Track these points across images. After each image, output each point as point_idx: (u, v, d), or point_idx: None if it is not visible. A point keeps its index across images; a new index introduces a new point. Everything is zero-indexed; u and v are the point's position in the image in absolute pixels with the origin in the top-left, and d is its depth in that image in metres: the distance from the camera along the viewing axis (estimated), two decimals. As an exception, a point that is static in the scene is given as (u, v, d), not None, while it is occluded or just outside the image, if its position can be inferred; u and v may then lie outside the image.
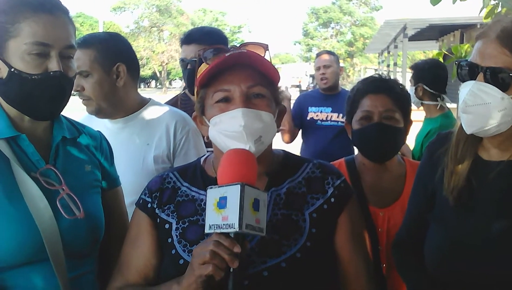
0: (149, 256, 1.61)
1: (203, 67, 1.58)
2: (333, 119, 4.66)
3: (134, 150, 2.38)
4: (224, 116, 1.52)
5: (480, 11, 3.60)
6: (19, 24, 1.53)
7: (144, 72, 74.94)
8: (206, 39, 2.99)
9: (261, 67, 1.57)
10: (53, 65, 1.54)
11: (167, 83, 71.50)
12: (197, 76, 1.61)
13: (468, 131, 1.55)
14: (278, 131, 1.64)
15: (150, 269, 1.60)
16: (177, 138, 2.39)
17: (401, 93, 2.24)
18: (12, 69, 1.53)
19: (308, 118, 4.79)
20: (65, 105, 1.65)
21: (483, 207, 1.57)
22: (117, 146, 2.08)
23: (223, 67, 1.54)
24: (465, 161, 1.63)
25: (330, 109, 4.68)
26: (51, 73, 1.54)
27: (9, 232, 1.50)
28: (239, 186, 1.31)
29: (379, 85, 2.23)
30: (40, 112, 1.60)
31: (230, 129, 1.50)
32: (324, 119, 4.70)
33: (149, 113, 2.45)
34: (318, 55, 5.17)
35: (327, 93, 4.80)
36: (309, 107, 4.81)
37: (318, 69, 4.90)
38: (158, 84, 77.79)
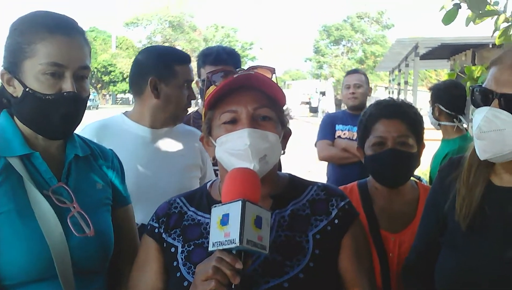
0: (156, 281, 1.62)
1: (211, 90, 1.62)
2: None
3: (172, 158, 2.54)
4: (231, 136, 1.56)
5: (493, 33, 3.61)
6: (35, 45, 1.56)
7: (156, 87, 75.06)
8: (232, 60, 3.05)
9: (268, 90, 1.60)
10: (67, 85, 1.57)
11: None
12: (205, 98, 1.63)
13: (482, 157, 1.54)
14: (283, 153, 1.66)
15: None
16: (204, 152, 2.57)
17: (415, 118, 2.21)
18: (27, 89, 1.56)
19: (335, 136, 4.72)
20: (78, 124, 1.68)
21: (495, 233, 1.57)
22: (154, 153, 2.45)
23: (230, 88, 1.57)
24: (477, 186, 1.62)
25: (357, 128, 4.59)
26: (65, 93, 1.57)
27: (20, 249, 1.51)
28: (240, 202, 1.34)
29: (392, 110, 2.21)
30: (53, 131, 1.63)
31: (236, 147, 1.53)
32: (351, 138, 4.60)
33: (181, 126, 2.63)
34: (348, 73, 5.07)
35: (354, 112, 4.66)
36: (336, 125, 4.74)
37: (348, 87, 4.80)
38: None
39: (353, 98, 4.74)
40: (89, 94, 1.68)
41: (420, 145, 2.22)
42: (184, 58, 2.53)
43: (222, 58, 3.11)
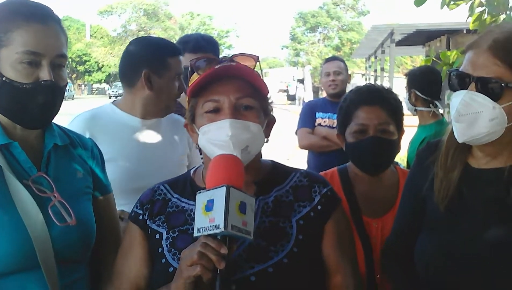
0: (140, 267, 1.63)
1: (195, 77, 1.62)
2: None
3: (163, 148, 2.59)
4: (213, 126, 1.56)
5: (468, 18, 3.65)
6: (11, 33, 1.54)
7: (132, 76, 74.33)
8: (211, 48, 3.05)
9: (251, 79, 1.60)
10: (44, 74, 1.55)
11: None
12: (189, 85, 1.64)
13: (460, 139, 1.57)
14: (267, 141, 1.67)
15: (142, 280, 1.62)
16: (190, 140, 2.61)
17: (395, 104, 2.22)
18: (4, 78, 1.54)
19: (316, 123, 4.73)
20: (56, 113, 1.66)
21: (473, 214, 1.60)
22: (146, 143, 2.50)
23: (212, 78, 1.57)
24: (455, 169, 1.65)
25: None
26: (42, 82, 1.55)
27: (1, 240, 1.50)
28: (224, 188, 1.35)
29: (373, 96, 2.21)
30: (30, 120, 1.61)
31: (218, 138, 1.54)
32: (332, 125, 4.60)
33: (169, 115, 2.64)
34: (327, 60, 5.07)
35: (334, 100, 4.64)
36: (317, 113, 4.74)
37: (327, 75, 4.79)
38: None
39: (334, 86, 4.74)
40: (67, 83, 1.66)
41: (400, 131, 2.24)
42: (176, 51, 2.55)
43: (201, 45, 3.10)
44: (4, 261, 1.50)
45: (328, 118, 4.67)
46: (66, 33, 1.67)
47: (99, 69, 67.41)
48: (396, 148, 2.22)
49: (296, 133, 4.86)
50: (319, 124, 4.71)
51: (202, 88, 1.59)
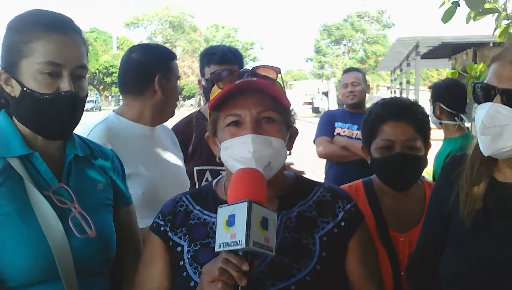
0: (161, 279, 1.61)
1: (215, 89, 1.61)
2: (358, 137, 4.46)
3: (171, 153, 2.65)
4: (235, 141, 1.54)
5: (494, 31, 3.60)
6: (32, 44, 1.54)
7: (157, 87, 75.20)
8: (237, 60, 3.07)
9: (272, 92, 1.58)
10: (65, 85, 1.56)
11: (180, 99, 71.73)
12: (210, 99, 1.63)
13: (486, 153, 1.54)
14: (289, 154, 1.65)
15: None
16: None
17: (422, 119, 2.17)
18: (25, 88, 1.55)
19: (334, 133, 4.68)
20: (77, 124, 1.67)
21: (499, 229, 1.56)
22: (157, 152, 2.53)
23: (234, 92, 1.56)
24: (481, 183, 1.62)
25: (356, 126, 4.54)
26: (62, 93, 1.56)
27: (21, 251, 1.50)
28: (246, 203, 1.33)
29: (400, 111, 2.14)
30: (51, 131, 1.61)
31: (240, 154, 1.52)
32: (351, 136, 4.57)
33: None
34: (345, 71, 5.04)
35: (353, 111, 4.66)
36: (336, 123, 4.71)
37: (345, 86, 4.76)
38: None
39: (352, 96, 4.71)
40: (87, 94, 1.67)
41: (427, 146, 2.19)
42: (174, 55, 2.62)
43: (227, 57, 3.09)
44: (24, 272, 1.50)
45: (348, 128, 4.63)
46: (86, 44, 1.68)
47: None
48: (423, 164, 2.17)
49: (314, 141, 4.82)
50: (338, 134, 4.67)
51: (223, 102, 1.58)
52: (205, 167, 2.96)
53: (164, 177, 2.46)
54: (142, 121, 2.49)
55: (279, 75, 1.65)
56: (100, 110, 46.88)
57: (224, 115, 1.58)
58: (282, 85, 1.66)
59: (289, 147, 1.65)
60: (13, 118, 1.64)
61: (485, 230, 1.58)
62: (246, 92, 1.57)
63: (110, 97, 74.18)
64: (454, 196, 1.67)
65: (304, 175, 1.94)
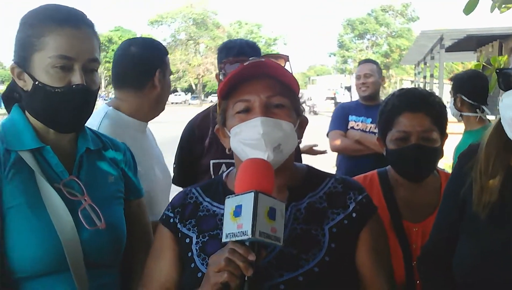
0: (170, 271, 1.61)
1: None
2: (372, 130, 4.48)
3: (158, 149, 2.72)
4: (244, 126, 1.53)
5: (519, 21, 3.52)
6: (44, 38, 1.56)
7: (180, 84, 76.00)
8: (255, 54, 3.04)
9: (281, 77, 1.57)
10: (76, 78, 1.57)
11: (202, 96, 72.27)
12: (218, 87, 1.62)
13: None
14: (299, 142, 1.63)
15: (172, 284, 1.61)
16: None
17: (439, 110, 2.13)
18: (37, 82, 1.56)
19: (348, 127, 4.65)
20: (88, 117, 1.68)
21: None
22: (152, 147, 2.57)
23: (242, 77, 1.55)
24: (497, 175, 1.58)
25: (370, 120, 4.52)
26: (74, 86, 1.57)
27: (31, 242, 1.52)
28: (252, 193, 1.32)
29: (417, 102, 2.11)
30: (63, 124, 1.63)
31: (250, 137, 1.51)
32: (364, 129, 4.54)
33: None
34: (360, 63, 5.02)
35: (367, 103, 4.64)
36: (350, 116, 4.68)
37: (358, 78, 4.74)
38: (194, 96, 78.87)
39: (364, 88, 4.67)
40: (99, 87, 1.68)
41: (443, 137, 2.16)
42: (166, 50, 2.63)
43: (245, 51, 3.07)
44: (34, 263, 1.52)
45: (362, 122, 4.60)
46: (99, 38, 1.69)
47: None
48: (438, 155, 2.14)
49: (327, 135, 4.79)
50: (352, 127, 4.63)
51: (231, 89, 1.57)
52: (221, 161, 2.95)
53: (158, 174, 2.49)
54: (138, 116, 2.47)
55: (288, 63, 1.64)
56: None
57: (233, 102, 1.58)
58: (291, 72, 1.63)
59: (300, 135, 1.63)
60: (26, 112, 1.66)
61: (501, 222, 1.55)
62: (254, 78, 1.56)
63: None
64: (467, 187, 1.63)
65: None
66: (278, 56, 1.64)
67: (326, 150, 4.63)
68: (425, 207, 2.16)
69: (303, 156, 4.41)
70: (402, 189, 2.20)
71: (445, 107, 2.21)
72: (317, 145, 4.57)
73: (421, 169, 2.13)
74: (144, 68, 2.46)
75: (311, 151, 4.48)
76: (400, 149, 2.11)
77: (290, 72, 1.62)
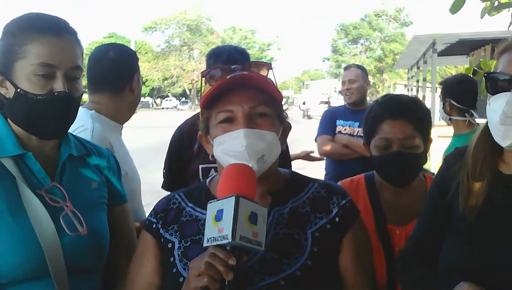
0: (152, 276, 1.62)
1: (207, 88, 1.60)
2: (359, 134, 4.49)
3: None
4: (227, 136, 1.54)
5: (510, 26, 3.53)
6: (26, 46, 1.56)
7: (174, 90, 75.99)
8: (244, 60, 3.06)
9: (264, 87, 1.58)
10: (58, 85, 1.57)
11: (196, 101, 72.20)
12: (201, 97, 1.62)
13: (505, 144, 1.50)
14: (283, 149, 1.64)
15: (154, 289, 1.61)
16: None
17: (422, 116, 2.15)
18: (19, 90, 1.57)
19: (336, 131, 4.68)
20: (71, 124, 1.69)
21: (505, 222, 1.53)
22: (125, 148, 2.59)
23: (225, 88, 1.55)
24: (485, 178, 1.59)
25: (357, 124, 4.54)
26: (56, 93, 1.57)
27: (11, 248, 1.52)
28: (233, 197, 1.33)
29: (398, 110, 2.13)
30: (45, 131, 1.63)
31: (233, 149, 1.52)
32: (352, 133, 4.57)
33: None
34: (345, 69, 5.05)
35: (354, 108, 4.67)
36: (337, 120, 4.71)
37: (344, 83, 4.79)
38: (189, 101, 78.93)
39: (349, 94, 4.71)
40: (82, 94, 1.68)
41: (427, 142, 2.18)
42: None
43: (234, 57, 3.07)
44: (15, 269, 1.51)
45: (349, 126, 4.62)
46: (82, 46, 1.69)
47: (143, 83, 68.64)
48: (422, 161, 2.16)
49: (315, 140, 4.82)
50: (339, 132, 4.66)
51: (215, 99, 1.58)
52: (210, 165, 2.95)
53: (137, 177, 2.54)
54: (116, 119, 2.54)
55: (271, 71, 1.65)
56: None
57: (216, 112, 1.58)
58: (274, 80, 1.65)
59: (283, 141, 1.64)
60: (8, 119, 1.66)
61: (488, 225, 1.55)
62: (237, 88, 1.56)
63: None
64: (454, 188, 1.64)
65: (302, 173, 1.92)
66: (261, 64, 1.64)
67: (323, 157, 4.65)
68: (410, 211, 2.17)
69: (299, 162, 4.44)
70: (387, 192, 2.22)
71: (429, 112, 2.23)
72: (313, 152, 4.59)
73: (404, 175, 2.15)
74: (123, 72, 2.53)
75: (308, 157, 4.53)
76: (382, 156, 2.13)
77: (274, 79, 1.62)
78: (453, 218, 1.64)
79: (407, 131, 2.09)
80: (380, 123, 2.14)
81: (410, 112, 2.12)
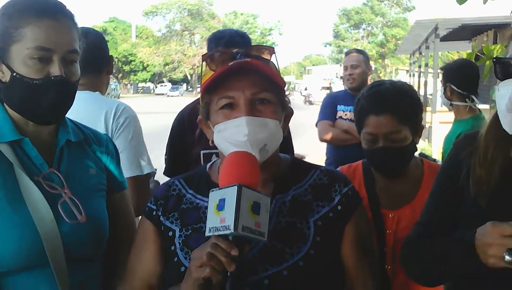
0: (153, 264, 1.59)
1: (208, 72, 1.57)
2: None
3: None
4: (229, 124, 1.50)
5: (512, 11, 3.50)
6: (22, 29, 1.53)
7: (176, 75, 75.81)
8: (245, 44, 3.04)
9: (266, 73, 1.54)
10: (55, 69, 1.54)
11: (197, 86, 72.10)
12: (202, 81, 1.59)
13: (511, 130, 1.47)
14: (285, 135, 1.61)
15: (154, 277, 1.59)
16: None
17: (407, 109, 2.11)
18: (14, 74, 1.54)
19: (337, 116, 4.67)
20: (68, 109, 1.65)
21: None
22: None
23: (227, 73, 1.51)
24: (496, 164, 1.56)
25: None
26: (52, 78, 1.54)
27: (9, 236, 1.49)
28: (236, 187, 1.29)
29: (382, 105, 2.09)
30: (41, 116, 1.60)
31: (235, 138, 1.48)
32: (352, 118, 4.53)
33: None
34: (346, 54, 5.03)
35: (355, 93, 4.53)
36: (338, 106, 4.69)
37: (345, 68, 4.77)
38: (189, 87, 78.64)
39: (351, 80, 4.70)
40: (79, 78, 1.65)
41: (417, 130, 2.16)
42: None
43: (235, 41, 3.04)
44: (13, 258, 1.49)
45: (350, 111, 4.59)
46: (79, 29, 1.66)
47: (144, 68, 68.71)
48: (410, 151, 2.16)
49: (316, 125, 4.80)
50: (340, 117, 4.65)
51: (216, 84, 1.54)
52: (212, 151, 2.93)
53: None
54: None
55: (274, 55, 1.61)
56: (119, 98, 47.17)
57: (217, 98, 1.54)
58: (277, 65, 1.61)
59: (284, 127, 1.61)
60: (4, 104, 1.63)
61: (501, 211, 1.52)
62: (239, 73, 1.52)
63: (128, 85, 74.78)
64: (464, 174, 1.62)
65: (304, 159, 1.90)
66: (263, 47, 1.60)
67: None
68: (403, 196, 2.20)
69: (301, 148, 4.41)
70: (381, 179, 2.24)
71: (417, 102, 2.20)
72: (304, 157, 4.57)
73: (392, 169, 2.17)
74: (103, 55, 2.73)
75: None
76: (370, 150, 2.15)
77: (276, 64, 1.59)
78: (466, 203, 1.62)
79: (392, 125, 2.08)
80: (365, 117, 2.14)
81: (394, 106, 2.09)
